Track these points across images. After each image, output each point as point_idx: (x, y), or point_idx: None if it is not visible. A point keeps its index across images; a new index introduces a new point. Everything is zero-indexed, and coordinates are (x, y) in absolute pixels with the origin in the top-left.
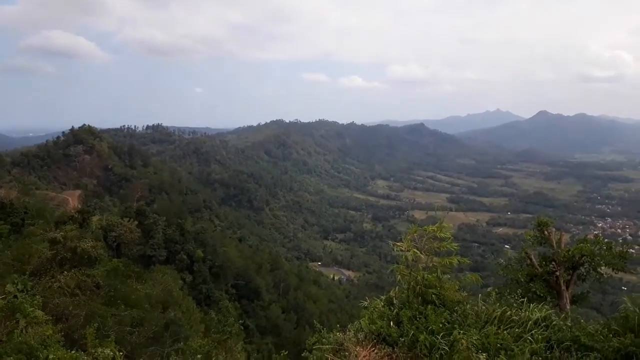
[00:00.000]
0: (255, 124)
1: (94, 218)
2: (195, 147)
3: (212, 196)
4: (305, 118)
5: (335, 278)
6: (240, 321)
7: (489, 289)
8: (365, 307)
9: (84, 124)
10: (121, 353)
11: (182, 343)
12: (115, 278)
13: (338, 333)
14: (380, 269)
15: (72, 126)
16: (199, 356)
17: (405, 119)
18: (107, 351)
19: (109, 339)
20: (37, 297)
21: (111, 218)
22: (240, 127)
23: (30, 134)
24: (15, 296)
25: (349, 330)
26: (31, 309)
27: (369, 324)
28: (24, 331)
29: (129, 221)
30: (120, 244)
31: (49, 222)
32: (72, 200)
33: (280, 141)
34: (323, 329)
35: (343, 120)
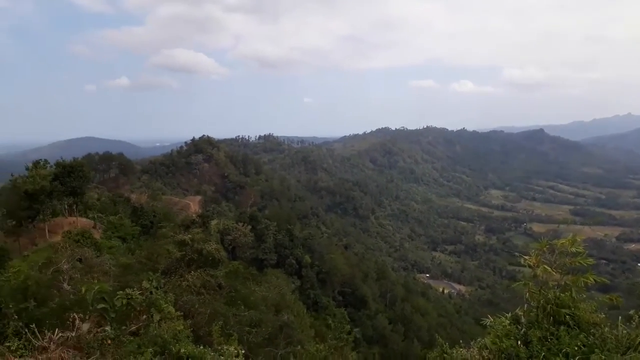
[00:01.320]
0: (360, 132)
1: (213, 222)
2: (303, 155)
3: (319, 203)
4: (411, 125)
5: (445, 291)
6: (357, 329)
7: (631, 312)
8: (489, 325)
9: (204, 135)
10: (243, 351)
11: (294, 346)
12: (235, 279)
13: (461, 349)
14: (494, 284)
15: (193, 137)
16: None
17: (522, 125)
18: (232, 349)
19: (232, 337)
20: (170, 294)
21: (227, 222)
22: (346, 136)
23: (157, 144)
24: (152, 292)
25: (473, 347)
26: (165, 305)
27: (495, 342)
28: (157, 325)
29: (243, 226)
30: (235, 247)
31: (177, 225)
32: (193, 205)
33: (386, 149)
34: (445, 344)
35: (453, 126)
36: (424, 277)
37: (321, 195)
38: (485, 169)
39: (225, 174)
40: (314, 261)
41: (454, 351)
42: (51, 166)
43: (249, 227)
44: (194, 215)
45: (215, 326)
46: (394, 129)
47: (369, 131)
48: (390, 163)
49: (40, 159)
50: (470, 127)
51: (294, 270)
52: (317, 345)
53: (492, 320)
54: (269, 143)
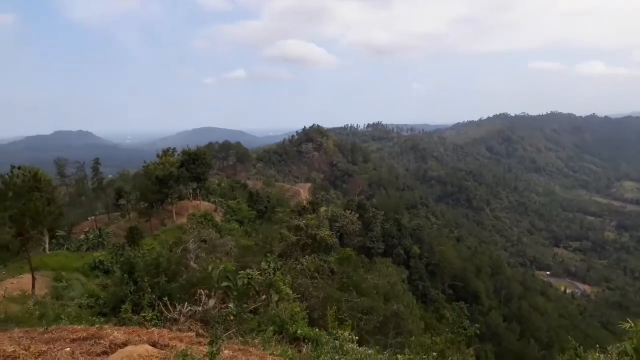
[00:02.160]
0: (475, 119)
1: (322, 209)
2: (412, 144)
3: (429, 193)
4: (533, 111)
5: (567, 291)
6: (476, 325)
7: None
8: (630, 329)
9: (314, 124)
10: (356, 337)
11: (404, 336)
12: (348, 266)
13: (597, 354)
14: (625, 285)
15: (304, 126)
16: (434, 354)
17: None
18: (346, 334)
19: (347, 323)
20: (288, 276)
21: (336, 209)
22: (459, 123)
23: (271, 134)
24: (271, 273)
25: (610, 353)
26: (283, 286)
27: (638, 349)
28: (276, 305)
29: (351, 213)
30: (342, 234)
31: (290, 210)
32: (303, 191)
33: (504, 136)
34: (579, 347)
35: (581, 112)
36: (544, 275)
37: (431, 185)
38: (618, 158)
39: (334, 162)
40: (422, 252)
41: (589, 356)
42: (178, 154)
43: (357, 215)
44: (304, 201)
45: (330, 310)
46: (513, 115)
47: (484, 117)
48: (508, 151)
49: (169, 148)
50: (601, 113)
51: (402, 260)
52: (434, 338)
53: (633, 324)
54: (378, 131)
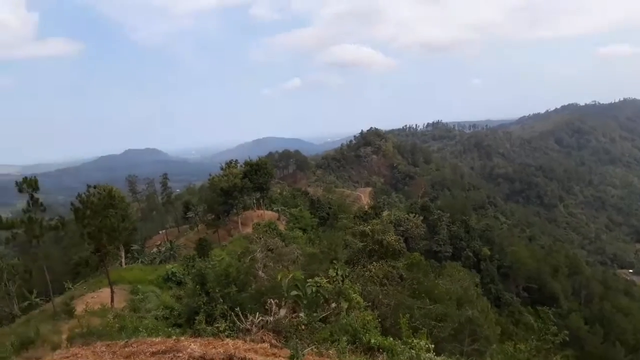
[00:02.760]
0: (542, 112)
1: (384, 213)
2: (476, 141)
3: (496, 192)
4: (604, 99)
5: None
6: (565, 332)
7: None
8: None
9: (371, 127)
10: (432, 346)
11: (480, 343)
12: (417, 271)
13: None
14: None
15: (362, 130)
16: None
17: None
18: (422, 343)
19: (422, 331)
20: (357, 284)
21: (398, 213)
22: (524, 117)
23: (328, 140)
24: (340, 281)
25: None
26: (354, 294)
27: None
28: (346, 314)
29: (414, 216)
30: (407, 238)
31: (353, 216)
32: (364, 196)
33: (574, 128)
34: None
35: None
36: (627, 273)
37: (498, 183)
38: None
39: (394, 165)
40: (493, 254)
41: None
42: (240, 165)
43: (421, 218)
44: (365, 206)
45: (403, 318)
46: (582, 104)
47: (552, 109)
48: (579, 143)
49: (232, 160)
50: None
51: (472, 264)
52: (518, 346)
53: None
54: (438, 130)
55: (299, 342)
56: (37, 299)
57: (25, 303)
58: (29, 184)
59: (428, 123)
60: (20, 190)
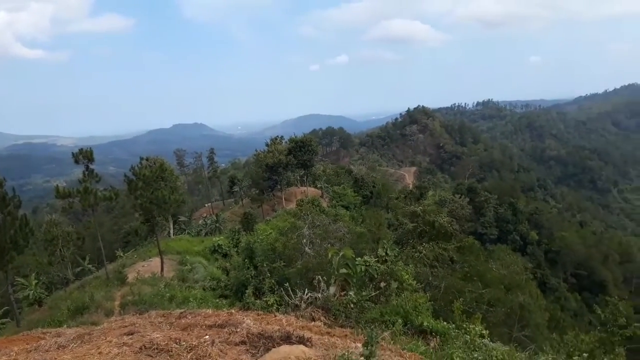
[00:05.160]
0: (600, 92)
1: (429, 193)
2: (528, 121)
3: (547, 174)
4: None
5: None
6: (637, 324)
7: None
8: None
9: (419, 105)
10: (487, 331)
11: (530, 329)
12: (469, 254)
13: None
14: None
15: (408, 107)
16: (584, 354)
17: None
18: (477, 328)
19: (476, 316)
20: (410, 265)
21: (444, 194)
22: (581, 97)
23: (373, 117)
24: (391, 261)
25: None
26: (406, 275)
27: None
28: (395, 295)
29: (460, 197)
30: (452, 219)
31: (399, 196)
32: (408, 176)
33: (634, 110)
34: None
35: None
36: None
37: (549, 166)
38: None
39: (441, 144)
40: (541, 238)
41: None
42: (285, 142)
43: (467, 199)
44: (409, 186)
45: (457, 302)
46: None
47: (611, 89)
48: (639, 126)
49: (277, 136)
50: None
51: (518, 247)
52: (581, 336)
53: None
54: (488, 109)
55: (346, 319)
56: (89, 265)
57: (78, 268)
58: (84, 155)
59: (478, 102)
60: (76, 162)
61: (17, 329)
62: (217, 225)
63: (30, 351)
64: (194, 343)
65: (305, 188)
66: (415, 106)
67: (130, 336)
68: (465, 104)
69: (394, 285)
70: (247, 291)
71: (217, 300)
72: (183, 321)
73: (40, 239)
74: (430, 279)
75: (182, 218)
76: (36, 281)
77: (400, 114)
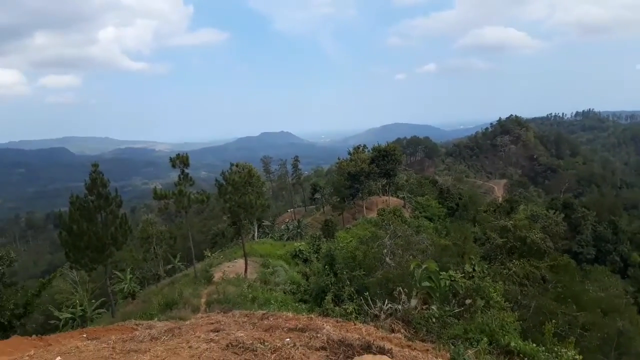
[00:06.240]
0: None
1: (520, 207)
2: (633, 133)
3: None
4: None
5: None
6: None
7: None
8: None
9: (511, 115)
10: (581, 357)
11: (628, 358)
12: (564, 274)
13: None
14: None
15: (500, 117)
16: None
17: None
18: (570, 353)
19: (569, 340)
20: (499, 282)
21: (536, 208)
22: None
23: (461, 127)
24: (479, 277)
25: None
26: (494, 293)
27: None
28: (481, 312)
29: (554, 213)
30: (545, 236)
31: (486, 209)
32: (498, 188)
33: None
34: None
35: None
36: None
37: None
38: None
39: (534, 156)
40: None
41: None
42: (368, 150)
43: (562, 215)
44: (499, 199)
45: (548, 324)
46: None
47: None
48: None
49: (360, 145)
50: None
51: (618, 269)
52: None
53: None
54: (589, 120)
55: (427, 333)
56: (179, 263)
57: (169, 266)
58: (181, 160)
59: (577, 112)
60: (173, 166)
61: (112, 319)
62: (299, 230)
63: (126, 341)
64: (277, 344)
65: (387, 197)
66: (508, 116)
67: (216, 333)
68: (563, 113)
69: (480, 302)
70: (326, 297)
71: (297, 304)
72: (265, 322)
73: (136, 236)
74: (519, 297)
75: (266, 222)
76: (131, 276)
77: (491, 123)
